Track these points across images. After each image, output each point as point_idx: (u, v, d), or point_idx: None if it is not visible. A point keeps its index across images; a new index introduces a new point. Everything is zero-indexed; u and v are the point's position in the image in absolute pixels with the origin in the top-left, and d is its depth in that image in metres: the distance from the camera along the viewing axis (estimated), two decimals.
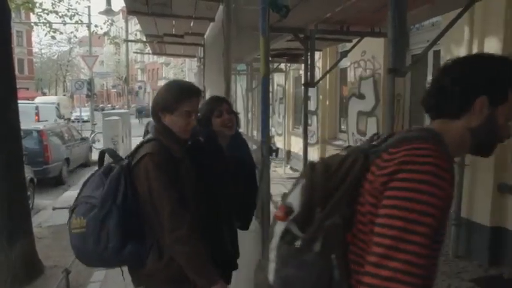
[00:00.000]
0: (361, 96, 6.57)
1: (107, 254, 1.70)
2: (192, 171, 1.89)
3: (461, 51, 4.32)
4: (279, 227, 1.13)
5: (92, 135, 14.81)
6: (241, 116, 12.34)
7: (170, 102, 1.85)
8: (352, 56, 6.45)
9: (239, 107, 12.24)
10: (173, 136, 1.86)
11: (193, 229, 1.73)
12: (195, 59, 11.13)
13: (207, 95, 7.40)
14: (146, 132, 2.04)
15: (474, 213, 4.19)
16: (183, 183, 1.79)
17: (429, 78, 5.39)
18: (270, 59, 7.22)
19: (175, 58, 29.73)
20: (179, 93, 1.87)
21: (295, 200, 1.14)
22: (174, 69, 41.65)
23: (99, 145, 13.51)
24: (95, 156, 12.55)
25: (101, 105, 48.91)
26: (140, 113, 32.81)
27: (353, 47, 5.14)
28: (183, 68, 36.58)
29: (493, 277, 3.75)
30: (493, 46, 3.97)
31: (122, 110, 19.40)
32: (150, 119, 2.02)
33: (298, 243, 1.08)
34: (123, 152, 10.14)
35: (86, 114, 21.88)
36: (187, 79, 26.62)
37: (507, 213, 3.87)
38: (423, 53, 2.99)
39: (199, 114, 2.03)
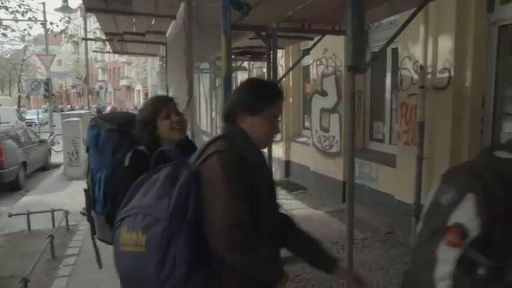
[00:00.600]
0: (323, 93, 6.68)
1: (170, 283, 1.35)
2: (269, 178, 1.64)
3: (417, 49, 4.47)
4: (450, 254, 0.97)
5: (51, 138, 14.29)
6: (205, 115, 12.28)
7: (255, 103, 1.56)
8: (314, 54, 6.54)
9: (203, 106, 12.15)
10: (250, 142, 1.56)
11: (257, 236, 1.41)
12: (158, 57, 10.95)
13: (170, 95, 7.31)
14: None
15: None
16: (256, 192, 1.48)
17: (388, 74, 5.56)
18: (233, 57, 7.21)
19: (137, 57, 29.11)
20: (268, 94, 1.60)
21: (465, 220, 0.96)
22: (136, 68, 40.79)
23: (58, 148, 13.05)
24: (54, 159, 12.12)
25: (60, 106, 47.31)
26: (99, 113, 32.05)
27: (314, 44, 5.22)
28: (145, 67, 35.89)
29: None
30: (446, 43, 4.14)
31: (83, 111, 18.83)
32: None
33: (483, 272, 0.92)
34: (83, 156, 9.88)
35: (36, 116, 20.98)
36: (149, 79, 26.10)
37: None
38: (381, 51, 3.08)
39: (140, 118, 2.08)
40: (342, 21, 4.35)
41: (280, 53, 7.84)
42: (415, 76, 4.52)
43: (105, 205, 2.18)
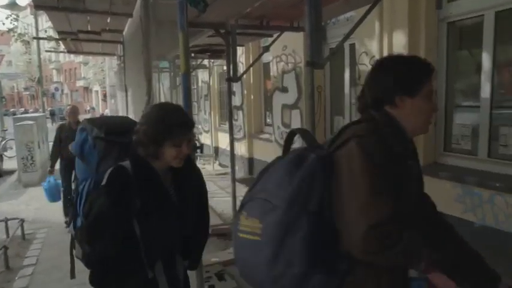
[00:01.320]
0: (284, 90, 6.74)
1: (284, 282, 1.20)
2: (419, 174, 1.38)
3: (373, 44, 4.60)
4: None
5: (3, 143, 13.60)
6: None
7: (414, 81, 1.33)
8: (274, 51, 6.58)
9: None
10: (400, 129, 1.32)
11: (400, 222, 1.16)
12: (115, 57, 10.66)
13: (129, 95, 7.13)
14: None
15: None
16: (408, 190, 1.26)
17: (347, 70, 5.68)
18: (193, 55, 7.14)
19: (94, 57, 28.22)
20: (423, 68, 1.36)
21: None
22: (94, 69, 39.55)
23: (11, 153, 12.44)
24: (6, 165, 11.55)
25: (12, 110, 45.15)
26: (53, 115, 30.86)
27: (273, 41, 5.24)
28: (103, 67, 34.85)
29: None
30: (400, 39, 4.27)
31: (37, 114, 18.03)
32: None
33: None
34: (39, 161, 9.49)
35: None
36: (108, 79, 25.40)
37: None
38: (338, 46, 3.13)
39: (145, 131, 1.68)
40: (300, 17, 4.40)
41: (240, 50, 7.84)
42: None
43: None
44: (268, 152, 7.50)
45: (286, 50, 6.50)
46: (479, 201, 3.63)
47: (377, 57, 4.52)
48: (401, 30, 4.25)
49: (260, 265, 1.23)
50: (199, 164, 8.63)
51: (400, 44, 4.27)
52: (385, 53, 4.46)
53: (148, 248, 1.67)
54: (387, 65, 1.41)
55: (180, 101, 9.36)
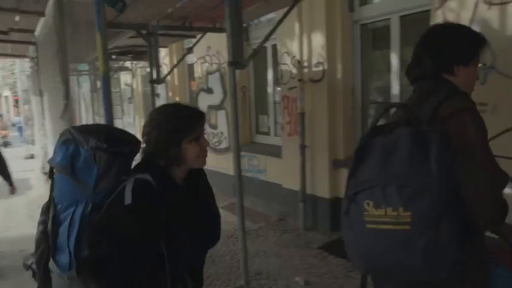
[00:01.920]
0: (209, 91, 6.76)
1: (438, 268, 1.15)
2: None
3: (294, 45, 4.78)
4: None
5: None
6: (87, 119, 11.46)
7: (468, 49, 1.41)
8: (198, 52, 6.57)
9: (83, 109, 11.37)
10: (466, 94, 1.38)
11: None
12: (27, 59, 9.92)
13: (45, 100, 6.69)
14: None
15: (317, 188, 4.71)
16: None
17: (270, 70, 5.83)
18: (114, 57, 6.90)
19: (2, 59, 26.00)
20: (476, 37, 1.42)
21: None
22: (3, 72, 36.40)
23: None
24: None
25: None
26: None
27: (196, 42, 5.24)
28: (13, 71, 32.21)
29: (334, 241, 4.30)
30: (318, 39, 4.49)
31: None
32: None
33: None
34: None
35: None
36: (19, 83, 23.54)
37: (341, 184, 4.46)
38: (259, 47, 3.24)
39: (158, 133, 1.49)
40: (222, 18, 4.44)
41: (163, 51, 7.71)
42: (294, 70, 4.82)
43: (77, 255, 1.49)
44: None
45: (210, 51, 6.52)
46: None
47: (298, 57, 4.71)
48: (319, 31, 4.47)
49: (411, 254, 1.15)
50: None
51: (318, 44, 4.49)
52: (305, 53, 4.66)
53: (174, 268, 1.48)
54: (445, 36, 1.45)
55: (101, 104, 8.97)
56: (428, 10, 3.55)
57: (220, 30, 4.74)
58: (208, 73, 6.72)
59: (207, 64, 6.74)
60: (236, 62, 2.65)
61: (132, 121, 10.72)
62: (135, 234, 1.37)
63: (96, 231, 1.41)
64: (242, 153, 4.13)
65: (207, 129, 6.86)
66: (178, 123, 1.49)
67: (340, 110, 4.43)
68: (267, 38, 3.30)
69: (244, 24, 5.50)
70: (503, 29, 2.96)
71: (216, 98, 6.60)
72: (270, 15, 5.14)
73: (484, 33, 3.02)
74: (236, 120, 2.68)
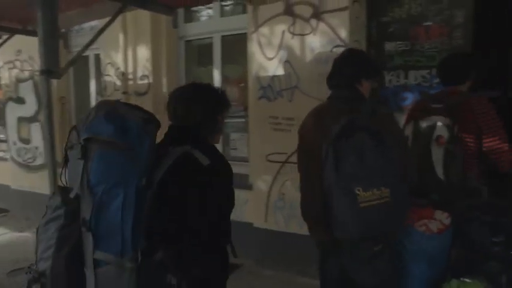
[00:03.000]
0: (20, 101, 5.97)
1: (402, 221, 1.81)
2: None
3: (118, 56, 4.64)
4: (440, 149, 2.03)
5: None
6: None
7: (372, 69, 1.95)
8: (5, 56, 5.76)
9: None
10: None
11: None
12: None
13: None
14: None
15: None
16: None
17: (93, 80, 5.50)
18: None
19: None
20: (376, 64, 2.09)
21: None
22: None
23: None
24: None
25: None
26: None
27: (1, 44, 4.60)
28: None
29: None
30: (143, 52, 4.47)
31: None
32: None
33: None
34: None
35: None
36: None
37: None
38: (77, 56, 3.04)
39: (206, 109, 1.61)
40: (34, 21, 4.01)
41: None
42: (118, 82, 4.66)
43: (136, 243, 1.29)
44: (2, 172, 6.45)
45: (21, 56, 5.79)
46: None
47: (122, 68, 4.57)
48: (144, 44, 4.45)
49: (392, 216, 1.68)
50: None
51: (144, 57, 4.46)
52: (130, 65, 4.56)
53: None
54: (359, 57, 2.02)
55: None
56: (246, 33, 3.92)
57: (32, 33, 4.26)
58: (19, 81, 5.94)
59: (17, 70, 5.95)
60: (50, 70, 2.42)
61: None
62: (231, 190, 1.57)
63: (196, 194, 1.41)
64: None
65: (17, 143, 6.05)
66: (222, 100, 1.67)
67: (166, 124, 4.44)
68: (86, 47, 3.12)
69: (63, 30, 5.08)
70: (303, 54, 3.47)
71: (28, 109, 5.86)
72: (94, 23, 4.87)
73: (289, 57, 3.48)
74: (51, 134, 2.44)
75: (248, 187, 3.93)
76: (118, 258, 1.29)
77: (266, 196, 3.75)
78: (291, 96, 3.51)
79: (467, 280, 1.90)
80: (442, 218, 1.96)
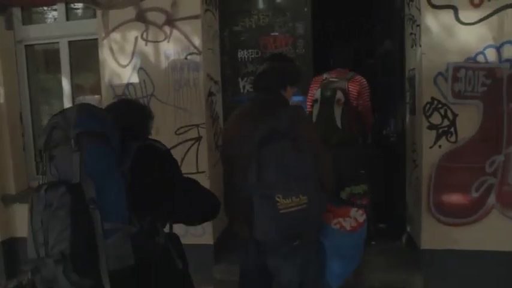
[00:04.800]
0: None
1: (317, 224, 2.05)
2: None
3: None
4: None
5: None
6: None
7: (296, 75, 2.18)
8: None
9: None
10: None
11: None
12: None
13: None
14: None
15: None
16: None
17: None
18: None
19: None
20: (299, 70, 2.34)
21: None
22: None
23: None
24: None
25: None
26: None
27: None
28: None
29: None
30: None
31: None
32: None
33: None
34: None
35: None
36: None
37: (16, 222, 3.94)
38: None
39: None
40: None
41: None
42: None
43: (131, 213, 1.60)
44: None
45: None
46: None
47: None
48: None
49: (314, 217, 1.89)
50: None
51: None
52: None
53: None
54: (285, 63, 2.19)
55: None
56: (96, 39, 3.69)
57: None
58: None
59: None
60: None
61: None
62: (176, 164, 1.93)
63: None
64: None
65: None
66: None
67: (7, 137, 3.93)
68: None
69: None
70: (158, 62, 3.42)
71: None
72: None
73: (144, 64, 3.42)
74: None
75: None
76: (121, 224, 1.55)
77: None
78: (147, 104, 3.43)
79: (355, 186, 2.31)
80: (356, 216, 2.17)
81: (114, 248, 1.50)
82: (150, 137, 1.92)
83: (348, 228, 2.15)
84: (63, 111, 1.60)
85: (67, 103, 4.00)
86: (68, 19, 4.00)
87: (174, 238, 1.86)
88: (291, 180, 1.79)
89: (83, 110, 1.60)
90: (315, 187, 1.85)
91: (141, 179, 1.68)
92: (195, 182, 1.94)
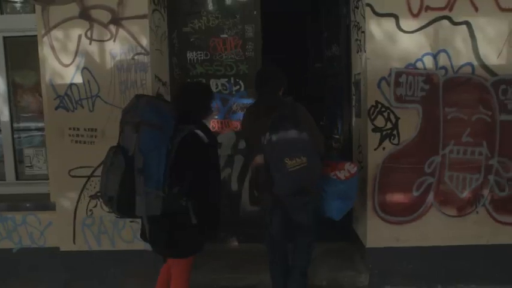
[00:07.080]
0: None
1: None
2: None
3: None
4: None
5: None
6: None
7: (286, 79, 2.89)
8: None
9: None
10: None
11: None
12: None
13: None
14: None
15: None
16: None
17: None
18: None
19: None
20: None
21: None
22: None
23: None
24: None
25: None
26: None
27: None
28: None
29: None
30: None
31: None
32: None
33: None
34: None
35: None
36: None
37: None
38: None
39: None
40: None
41: None
42: None
43: (165, 182, 2.21)
44: None
45: None
46: (14, 225, 3.61)
47: None
48: None
49: (313, 171, 2.54)
50: None
51: None
52: None
53: None
54: (273, 70, 2.95)
55: None
56: (36, 35, 3.50)
57: None
58: None
59: None
60: None
61: None
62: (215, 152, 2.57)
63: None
64: None
65: None
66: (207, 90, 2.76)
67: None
68: None
69: None
70: (103, 62, 3.30)
71: None
72: None
73: (88, 64, 3.28)
74: None
75: (50, 207, 3.53)
76: (155, 190, 2.17)
77: (72, 215, 3.42)
78: (92, 105, 3.29)
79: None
80: (349, 168, 2.86)
81: (147, 203, 2.16)
82: (209, 116, 2.69)
83: (343, 178, 2.83)
84: (138, 100, 2.26)
85: (3, 105, 3.77)
86: (2, 12, 3.76)
87: (194, 203, 2.29)
88: (294, 147, 2.47)
89: (147, 105, 2.22)
90: (311, 151, 2.50)
91: (179, 160, 2.22)
92: (217, 178, 2.54)
